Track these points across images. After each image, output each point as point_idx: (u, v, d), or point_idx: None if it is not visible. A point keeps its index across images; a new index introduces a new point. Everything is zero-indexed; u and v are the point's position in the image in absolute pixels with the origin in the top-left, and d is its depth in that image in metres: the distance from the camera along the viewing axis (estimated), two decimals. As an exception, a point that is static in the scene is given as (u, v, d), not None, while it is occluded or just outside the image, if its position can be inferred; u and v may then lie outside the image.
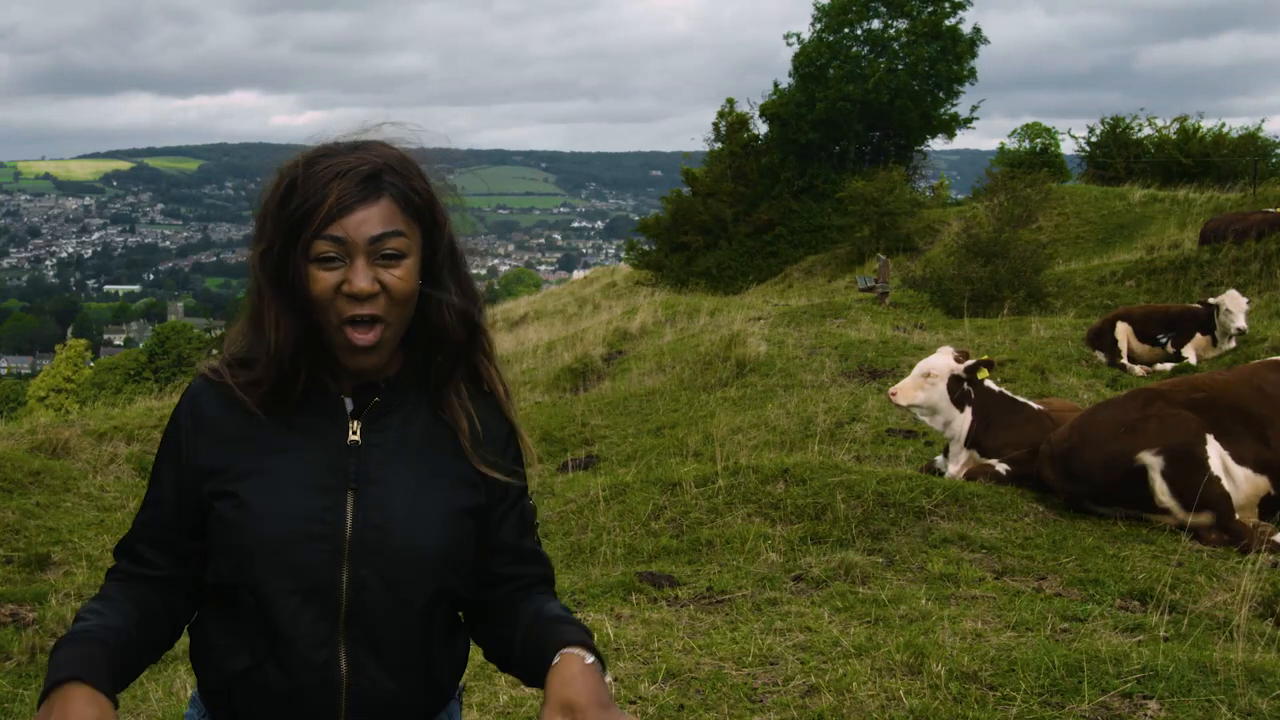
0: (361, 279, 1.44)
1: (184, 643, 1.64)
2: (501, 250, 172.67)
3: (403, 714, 1.56)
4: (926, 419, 6.05)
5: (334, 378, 1.54)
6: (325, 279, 1.44)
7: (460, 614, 1.67)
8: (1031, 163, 29.24)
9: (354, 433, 1.53)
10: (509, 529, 1.63)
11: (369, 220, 1.44)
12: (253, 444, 1.51)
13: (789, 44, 31.28)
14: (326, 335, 1.48)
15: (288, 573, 1.46)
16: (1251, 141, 27.17)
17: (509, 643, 1.60)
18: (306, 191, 1.44)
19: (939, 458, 6.25)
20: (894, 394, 6.03)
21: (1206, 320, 9.93)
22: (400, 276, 1.46)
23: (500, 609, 1.64)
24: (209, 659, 1.55)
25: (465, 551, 1.56)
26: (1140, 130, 29.13)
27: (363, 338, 1.46)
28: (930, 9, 30.07)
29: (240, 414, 1.52)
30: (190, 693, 1.65)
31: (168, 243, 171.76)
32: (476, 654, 3.91)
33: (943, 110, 30.76)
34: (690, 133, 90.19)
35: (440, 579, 1.53)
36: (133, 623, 1.48)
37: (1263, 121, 27.55)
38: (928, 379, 5.95)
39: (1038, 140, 33.54)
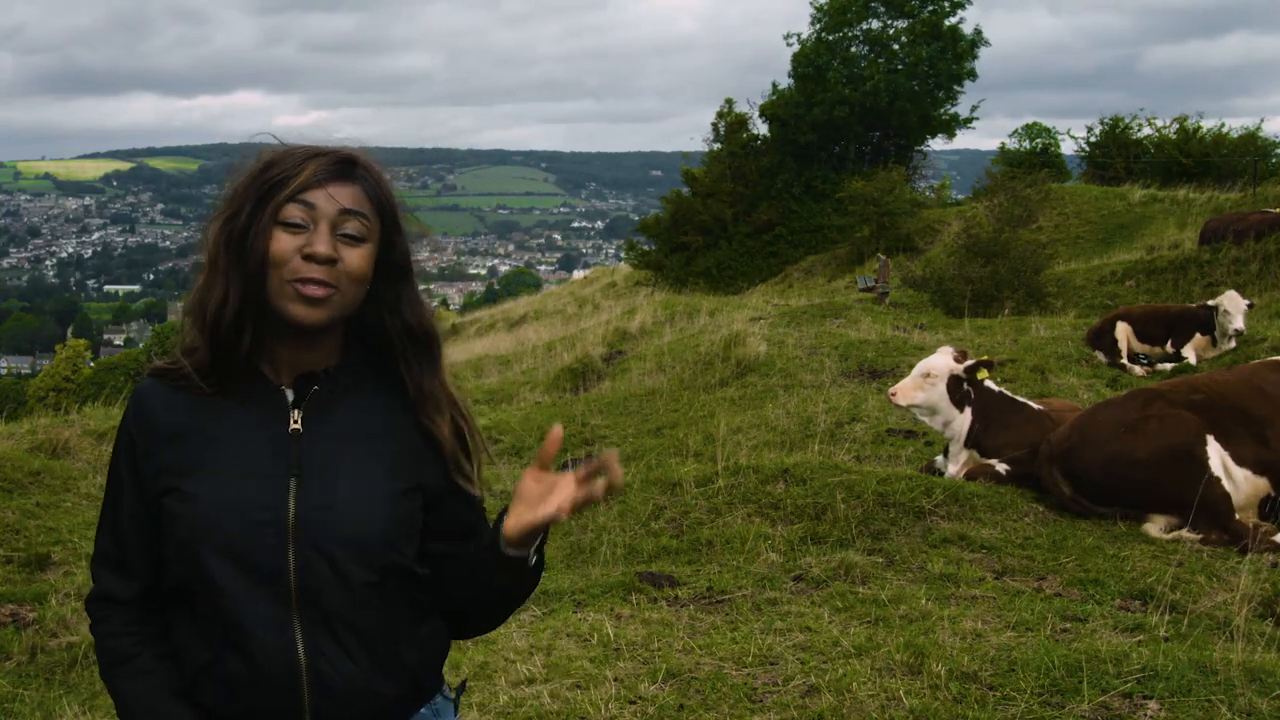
0: (322, 244, 1.51)
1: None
2: (501, 250, 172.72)
3: (373, 700, 1.58)
4: (926, 419, 6.05)
5: (275, 370, 1.60)
6: (287, 240, 1.52)
7: (426, 602, 1.69)
8: (1032, 163, 29.24)
9: (295, 421, 1.58)
10: (463, 506, 1.68)
11: (340, 195, 1.54)
12: (196, 438, 1.56)
13: (788, 44, 31.31)
14: (268, 299, 1.52)
15: (235, 560, 1.51)
16: (1251, 141, 27.17)
17: (461, 577, 1.66)
18: (284, 164, 1.54)
19: (939, 458, 6.25)
20: (894, 394, 6.03)
21: (1206, 320, 9.94)
22: (359, 256, 1.55)
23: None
24: (174, 658, 1.59)
25: (408, 530, 1.61)
26: (1140, 130, 29.16)
27: (313, 289, 1.51)
28: (930, 9, 30.06)
29: (185, 409, 1.57)
30: None
31: (168, 243, 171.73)
32: (477, 654, 3.90)
33: (942, 110, 30.76)
34: (695, 133, 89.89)
35: (384, 558, 1.58)
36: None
37: (1262, 121, 27.57)
38: (928, 379, 5.94)
39: (1038, 140, 33.53)
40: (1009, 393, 6.13)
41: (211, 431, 1.56)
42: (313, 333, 1.56)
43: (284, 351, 1.58)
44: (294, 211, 1.51)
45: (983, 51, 30.49)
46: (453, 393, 1.69)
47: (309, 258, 1.50)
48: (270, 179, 1.53)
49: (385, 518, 1.58)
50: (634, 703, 3.36)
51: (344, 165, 1.56)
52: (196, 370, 1.55)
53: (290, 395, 1.59)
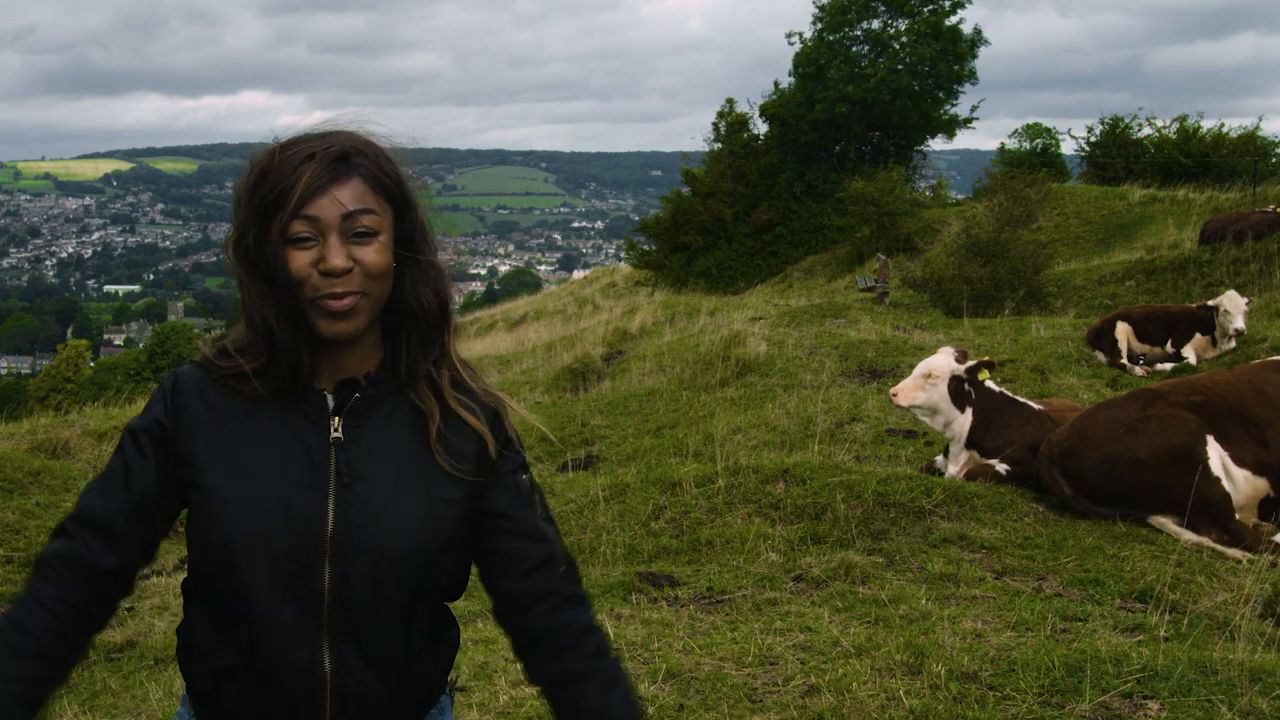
0: (336, 256, 1.45)
1: (173, 642, 1.64)
2: (501, 250, 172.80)
3: (390, 710, 1.56)
4: (927, 419, 6.05)
5: (315, 373, 1.54)
6: (300, 258, 1.46)
7: (449, 606, 1.67)
8: (1032, 163, 29.25)
9: (336, 429, 1.53)
10: (505, 503, 1.60)
11: (341, 198, 1.47)
12: (233, 438, 1.51)
13: (790, 44, 31.35)
14: (304, 314, 1.48)
15: (268, 569, 1.47)
16: (1251, 141, 27.16)
17: (542, 672, 1.60)
18: (278, 176, 1.46)
19: (939, 458, 6.24)
20: (895, 394, 6.02)
21: (1206, 320, 9.94)
22: (374, 252, 1.48)
23: (528, 622, 1.60)
24: (194, 656, 1.55)
25: (448, 547, 1.56)
26: (1140, 130, 29.16)
27: (337, 304, 1.46)
28: (930, 8, 30.07)
29: (225, 405, 1.52)
30: (182, 693, 1.66)
31: (168, 243, 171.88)
32: (477, 654, 3.90)
33: (943, 110, 30.77)
34: (698, 133, 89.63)
35: (421, 575, 1.54)
36: (43, 661, 1.47)
37: (1260, 120, 27.54)
38: (928, 379, 5.94)
39: (1038, 140, 33.54)
40: (1009, 393, 6.13)
41: (251, 433, 1.51)
42: (350, 342, 1.52)
43: (324, 356, 1.54)
44: (299, 227, 1.45)
45: (989, 52, 30.54)
46: (461, 375, 1.62)
47: (326, 273, 1.45)
48: (267, 194, 1.46)
49: (423, 533, 1.53)
50: (634, 703, 3.35)
51: (340, 162, 1.48)
52: (255, 373, 1.50)
53: (331, 401, 1.54)
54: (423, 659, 1.60)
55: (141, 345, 59.07)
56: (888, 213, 25.02)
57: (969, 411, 5.91)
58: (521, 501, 1.62)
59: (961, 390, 5.92)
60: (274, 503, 1.48)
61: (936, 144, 32.29)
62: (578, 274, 62.41)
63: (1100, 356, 10.14)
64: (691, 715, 3.26)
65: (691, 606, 4.32)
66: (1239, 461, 5.02)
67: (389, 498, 1.52)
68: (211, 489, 1.49)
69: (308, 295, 1.46)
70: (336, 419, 1.53)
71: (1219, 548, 4.79)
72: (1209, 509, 4.89)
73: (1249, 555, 4.70)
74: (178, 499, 1.54)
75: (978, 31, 30.21)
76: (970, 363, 5.96)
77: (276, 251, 1.46)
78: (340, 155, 1.49)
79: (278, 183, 1.46)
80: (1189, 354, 9.91)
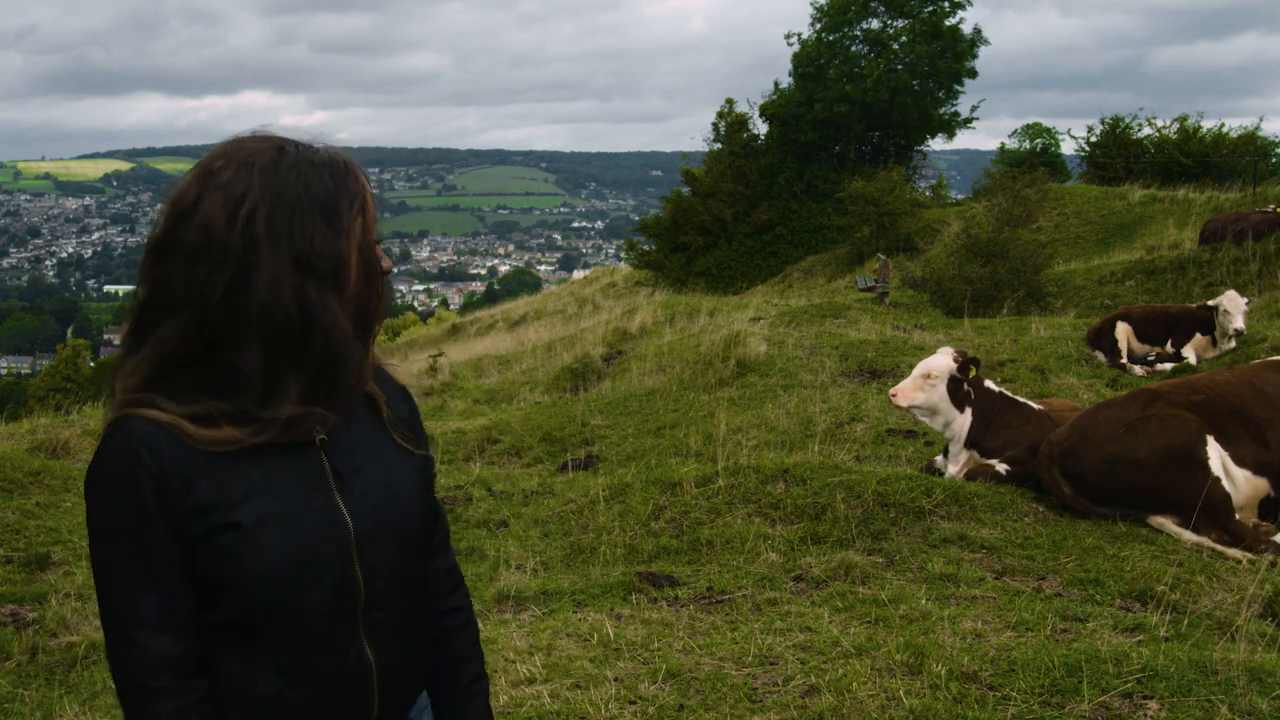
0: (385, 257, 1.56)
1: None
2: (501, 250, 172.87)
3: (417, 684, 1.64)
4: (927, 420, 6.05)
5: None
6: (384, 257, 1.57)
7: None
8: (1032, 163, 29.25)
9: (319, 432, 1.53)
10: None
11: None
12: (233, 468, 1.45)
13: (789, 44, 31.37)
14: (370, 310, 1.54)
15: (317, 584, 1.46)
16: (1251, 141, 27.16)
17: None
18: (356, 176, 1.52)
19: (939, 458, 6.25)
20: (894, 395, 6.03)
21: (1206, 320, 9.94)
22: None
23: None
24: (228, 692, 1.49)
25: (427, 514, 1.66)
26: (1140, 130, 29.17)
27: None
28: (930, 9, 30.08)
29: (196, 449, 1.44)
30: None
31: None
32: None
33: (942, 110, 30.77)
34: (698, 133, 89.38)
35: (423, 545, 1.64)
36: None
37: (1261, 120, 27.54)
38: (928, 380, 5.95)
39: (1038, 140, 33.56)
40: (1009, 393, 6.13)
41: (244, 459, 1.46)
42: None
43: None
44: (377, 229, 1.56)
45: (989, 52, 30.55)
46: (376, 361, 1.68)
47: (384, 273, 1.56)
48: (354, 194, 1.49)
49: (420, 508, 1.62)
50: (634, 703, 3.36)
51: None
52: (265, 426, 1.45)
53: None
54: (429, 630, 1.67)
55: (141, 345, 58.83)
56: (888, 213, 25.02)
57: (968, 412, 5.92)
58: (430, 478, 1.72)
59: (961, 390, 5.93)
60: (302, 518, 1.47)
61: (936, 144, 32.32)
62: (578, 274, 62.44)
63: (1100, 356, 10.15)
64: (691, 715, 3.27)
65: (691, 606, 4.32)
66: (1239, 461, 5.02)
67: (384, 482, 1.57)
68: (243, 526, 1.43)
69: (378, 292, 1.54)
70: None
71: (1219, 548, 4.79)
72: (1209, 509, 4.89)
73: (1249, 555, 4.70)
74: (198, 552, 1.45)
75: (978, 31, 30.25)
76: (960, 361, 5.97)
77: (371, 255, 1.52)
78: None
79: (356, 183, 1.51)
80: (1189, 354, 9.92)
